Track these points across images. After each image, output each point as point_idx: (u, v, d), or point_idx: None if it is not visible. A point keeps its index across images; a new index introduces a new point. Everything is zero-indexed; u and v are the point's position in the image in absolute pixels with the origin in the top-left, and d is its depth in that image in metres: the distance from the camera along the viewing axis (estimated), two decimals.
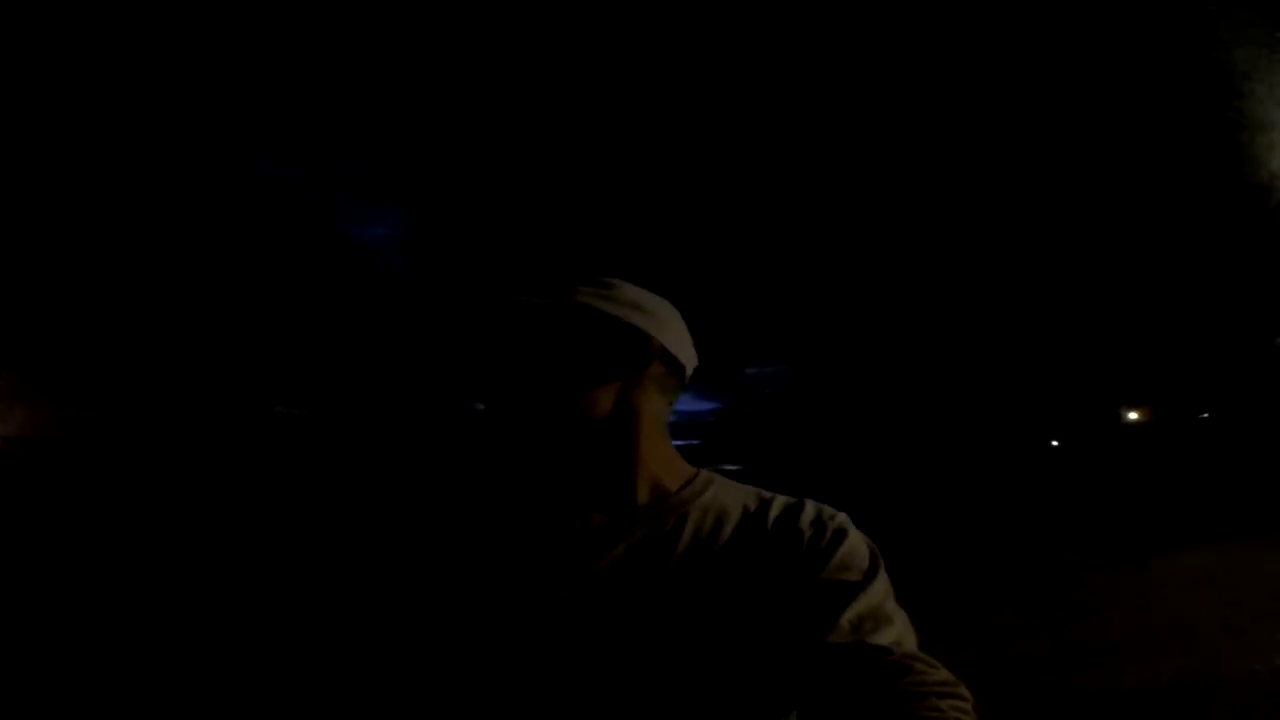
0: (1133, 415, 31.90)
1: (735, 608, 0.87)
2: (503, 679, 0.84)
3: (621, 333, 0.98)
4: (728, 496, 0.99)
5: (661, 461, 0.99)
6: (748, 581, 0.89)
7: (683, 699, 0.83)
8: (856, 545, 0.94)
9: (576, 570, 0.89)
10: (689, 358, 1.04)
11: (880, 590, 0.90)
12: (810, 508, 0.97)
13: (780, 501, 0.98)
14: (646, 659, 0.84)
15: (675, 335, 1.02)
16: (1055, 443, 34.60)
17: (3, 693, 4.43)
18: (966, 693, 0.81)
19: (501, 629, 0.86)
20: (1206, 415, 30.22)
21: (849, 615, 0.85)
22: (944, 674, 0.82)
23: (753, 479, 1.03)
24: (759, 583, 0.89)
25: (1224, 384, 27.57)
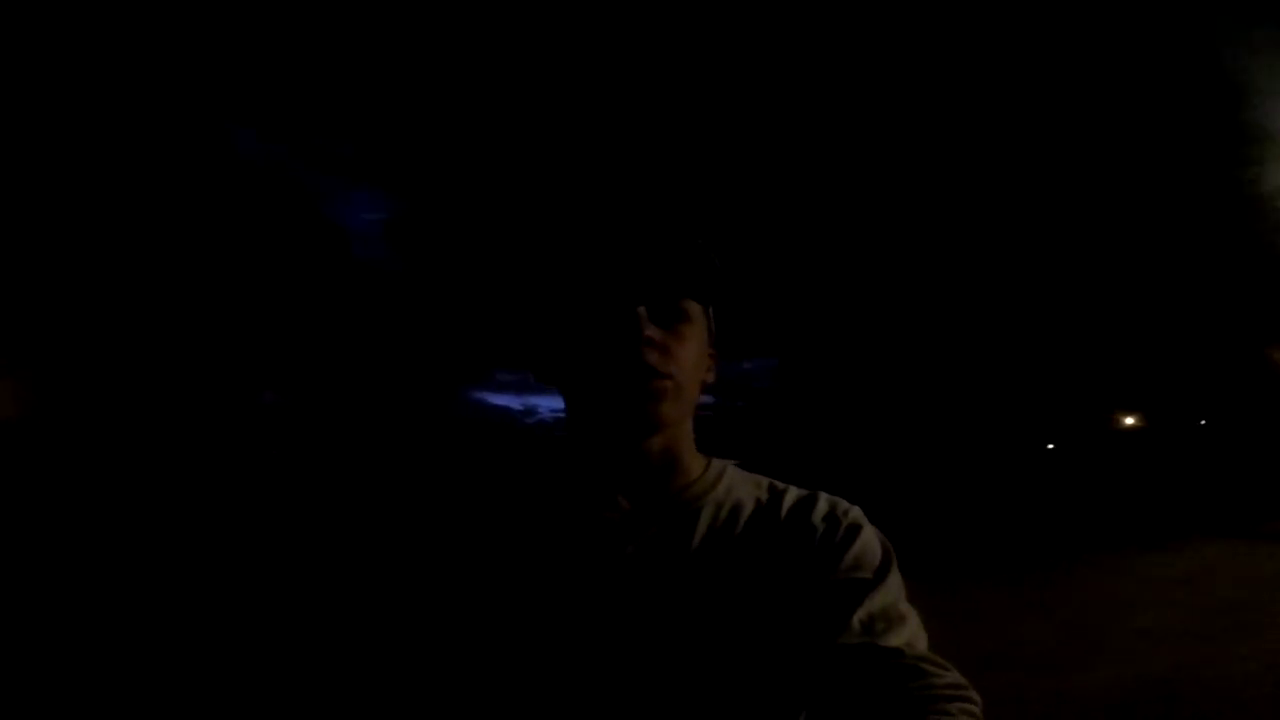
0: (1127, 420, 32.13)
1: (750, 603, 0.86)
2: (524, 670, 0.83)
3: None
4: (741, 487, 0.97)
5: (689, 444, 0.96)
6: (762, 577, 0.88)
7: (697, 694, 0.82)
8: (870, 541, 0.92)
9: (603, 553, 0.87)
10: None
11: (893, 589, 0.88)
12: (824, 501, 0.96)
13: (794, 494, 0.97)
14: (665, 653, 0.82)
15: None
16: (1050, 445, 34.68)
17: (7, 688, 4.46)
18: (976, 696, 0.81)
19: (523, 621, 0.84)
20: (1197, 422, 30.39)
21: (860, 615, 0.84)
22: (954, 676, 0.82)
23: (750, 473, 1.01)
24: (773, 578, 0.88)
25: (1215, 391, 27.72)
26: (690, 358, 0.88)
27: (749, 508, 0.93)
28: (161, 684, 4.54)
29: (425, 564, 0.91)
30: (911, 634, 0.84)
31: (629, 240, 0.87)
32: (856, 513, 0.94)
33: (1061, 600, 7.89)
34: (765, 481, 0.98)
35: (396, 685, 0.88)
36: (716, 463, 0.98)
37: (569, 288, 0.90)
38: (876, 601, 0.85)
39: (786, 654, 0.85)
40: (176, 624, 5.93)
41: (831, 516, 0.93)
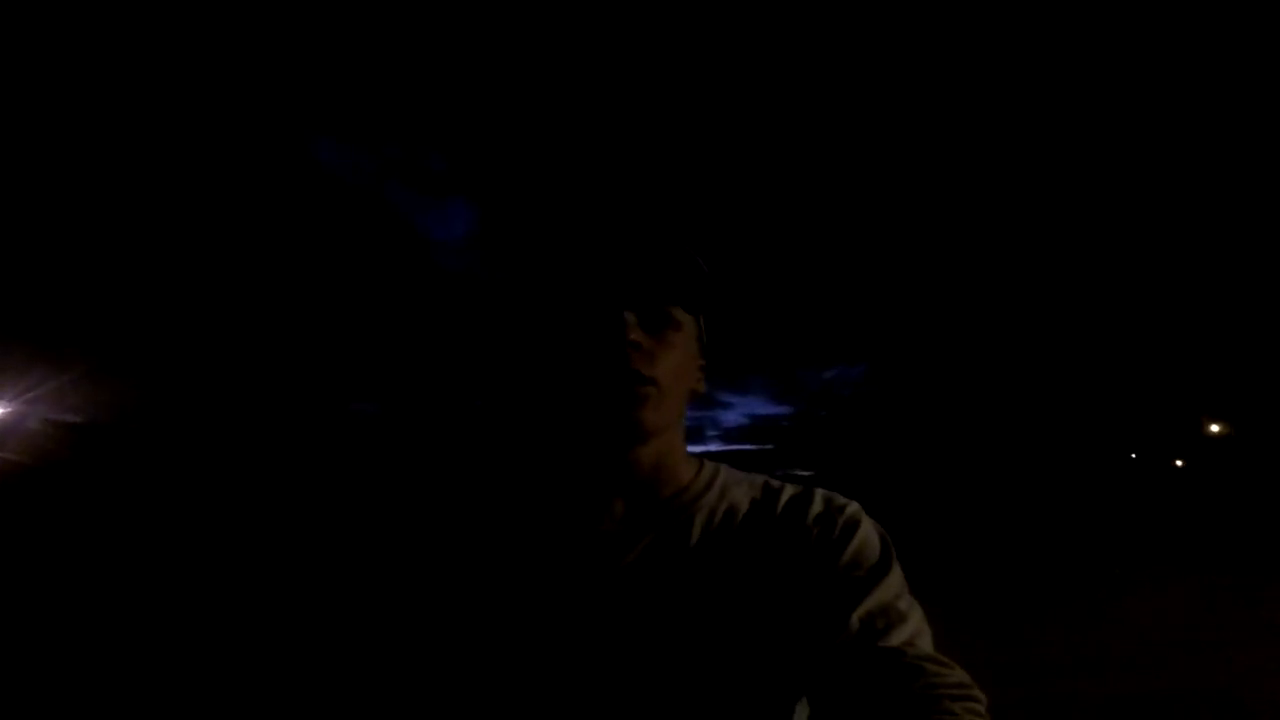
0: (1214, 427, 31.23)
1: (747, 605, 0.85)
2: (524, 672, 0.84)
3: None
4: (735, 488, 0.95)
5: (680, 451, 0.94)
6: (759, 578, 0.86)
7: (698, 698, 0.81)
8: (868, 536, 0.89)
9: (601, 564, 0.87)
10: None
11: (893, 585, 0.86)
12: (820, 497, 0.93)
13: (789, 491, 0.95)
14: (664, 659, 0.82)
15: None
16: (1133, 455, 33.67)
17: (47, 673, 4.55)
18: (981, 695, 0.79)
19: (525, 624, 0.85)
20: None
21: (860, 613, 0.82)
22: (958, 675, 0.79)
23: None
24: (770, 579, 0.86)
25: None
26: (675, 365, 0.88)
27: (743, 509, 0.93)
28: (160, 680, 4.59)
29: (424, 571, 0.92)
30: (913, 631, 0.83)
31: (617, 246, 0.89)
32: (854, 508, 0.93)
33: (1099, 610, 7.84)
34: (760, 480, 0.99)
35: (395, 692, 0.91)
36: (709, 466, 0.97)
37: (558, 292, 0.91)
38: (876, 599, 0.84)
39: (785, 654, 0.84)
40: (189, 620, 6.02)
41: (827, 513, 0.91)
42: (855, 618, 0.81)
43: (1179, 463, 32.74)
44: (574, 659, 0.83)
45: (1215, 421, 30.60)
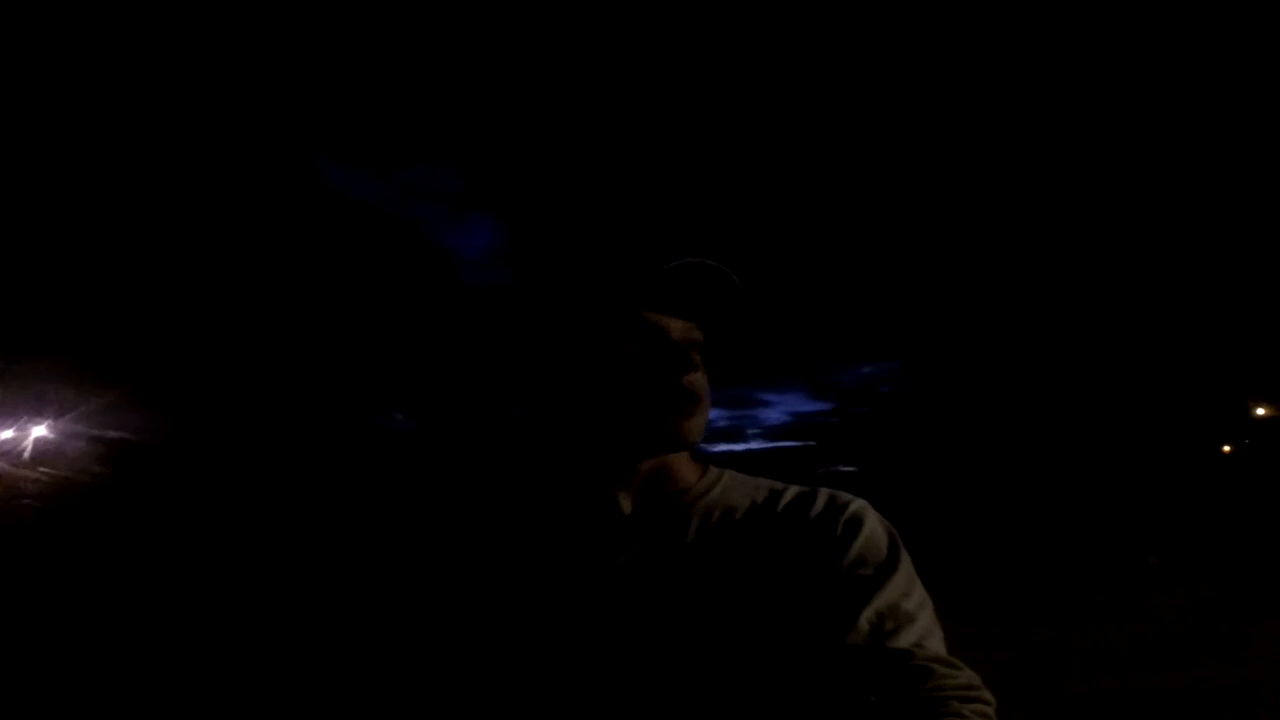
0: (1260, 410, 30.66)
1: (749, 604, 0.85)
2: (528, 676, 0.85)
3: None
4: (738, 490, 0.96)
5: (685, 455, 0.96)
6: (761, 576, 0.87)
7: (700, 696, 0.82)
8: (874, 534, 0.90)
9: (600, 567, 0.89)
10: None
11: (900, 583, 0.86)
12: (822, 497, 0.94)
13: (792, 492, 0.96)
14: (665, 656, 0.83)
15: None
16: (1226, 448, 32.81)
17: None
18: (990, 696, 0.80)
19: (526, 628, 0.86)
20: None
21: (868, 614, 0.82)
22: (967, 677, 0.81)
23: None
24: (773, 577, 0.87)
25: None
26: (707, 378, 0.93)
27: (745, 509, 0.93)
28: (202, 689, 4.66)
29: (432, 573, 0.94)
30: (921, 632, 0.83)
31: (688, 271, 0.90)
32: (858, 505, 0.93)
33: (1109, 609, 7.76)
34: (765, 483, 0.98)
35: (403, 690, 0.91)
36: (713, 470, 0.98)
37: (610, 309, 0.92)
38: (883, 599, 0.84)
39: (790, 653, 0.84)
40: (228, 631, 6.08)
41: (830, 511, 0.92)
42: (863, 619, 0.81)
43: (1226, 448, 32.10)
44: (575, 655, 0.84)
45: (1262, 404, 30.10)
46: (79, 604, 7.47)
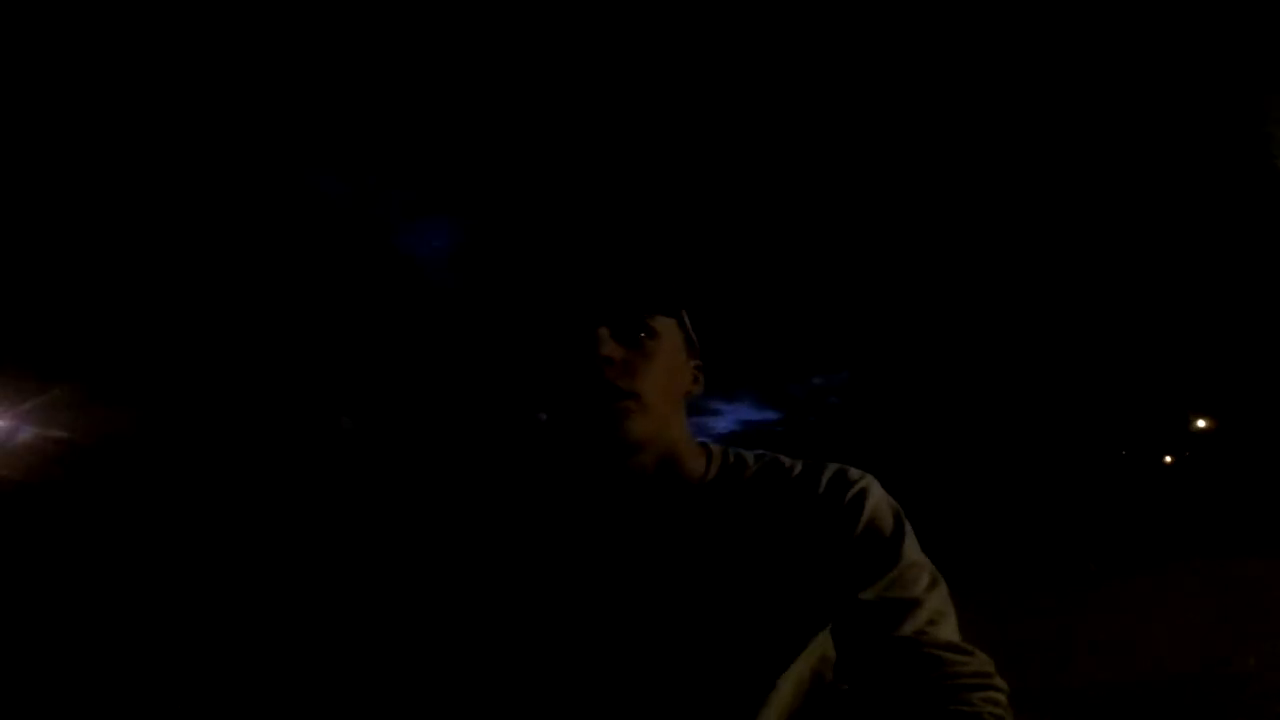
0: (1200, 423, 31.61)
1: (758, 588, 0.84)
2: (535, 666, 0.84)
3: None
4: (746, 470, 0.95)
5: (685, 445, 0.94)
6: (769, 558, 0.86)
7: (706, 680, 0.81)
8: (877, 512, 0.89)
9: (607, 555, 0.87)
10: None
11: (905, 566, 0.85)
12: (828, 472, 0.93)
13: (799, 467, 0.94)
14: (673, 643, 0.82)
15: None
16: (1168, 459, 33.72)
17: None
18: (1002, 684, 0.79)
19: (534, 618, 0.85)
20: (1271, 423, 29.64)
21: (872, 599, 0.81)
22: (979, 663, 0.79)
23: None
24: (780, 558, 0.86)
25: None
26: (658, 373, 0.87)
27: (752, 488, 0.92)
28: (171, 682, 4.58)
29: (434, 565, 0.92)
30: (929, 616, 0.81)
31: (590, 262, 0.87)
32: (864, 482, 0.91)
33: (1098, 598, 7.98)
34: (769, 459, 0.96)
35: (408, 679, 0.89)
36: (716, 449, 0.96)
37: (535, 311, 0.88)
38: (887, 582, 0.83)
39: (796, 627, 0.83)
40: (193, 625, 6.02)
41: (835, 488, 0.90)
42: (868, 604, 0.81)
43: (1168, 459, 32.99)
44: (580, 642, 0.83)
45: (1202, 417, 31.11)
46: (29, 603, 7.30)
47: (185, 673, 4.79)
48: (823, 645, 0.87)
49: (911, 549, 0.87)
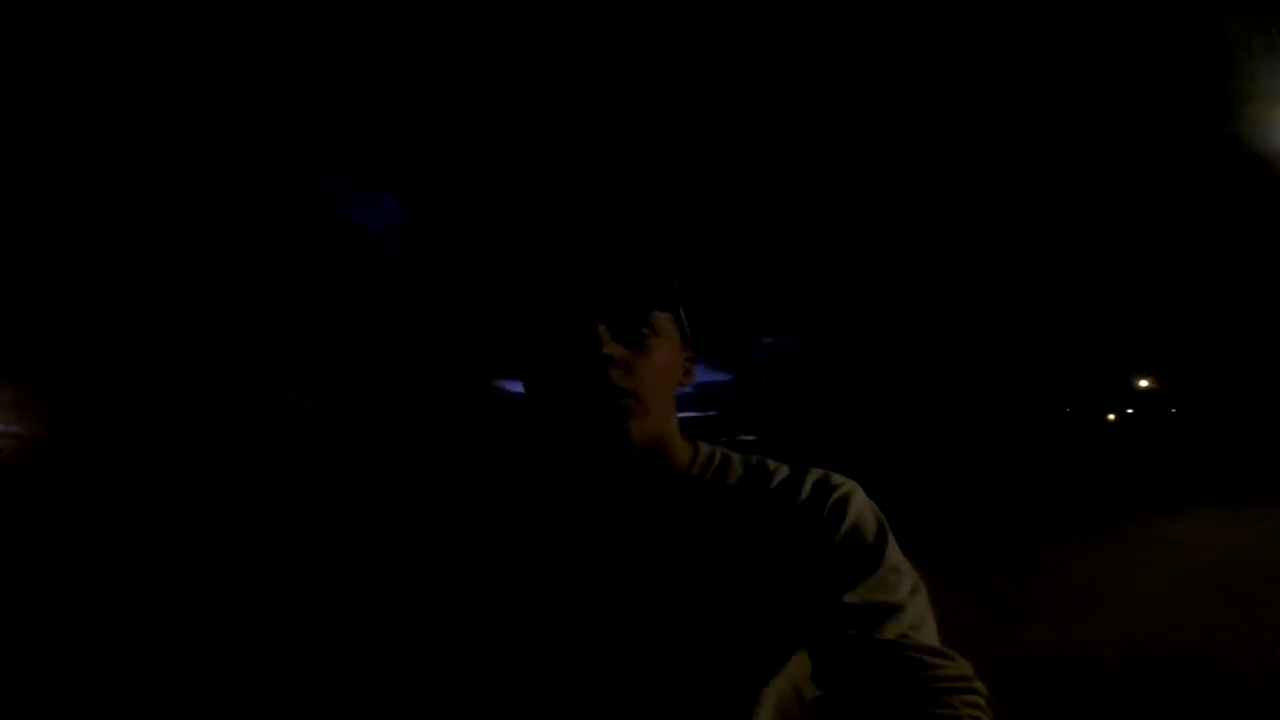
0: (1143, 383, 32.46)
1: (741, 587, 0.85)
2: (528, 664, 0.84)
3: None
4: (730, 470, 0.96)
5: (674, 440, 0.95)
6: (753, 558, 0.86)
7: (691, 680, 0.82)
8: (860, 518, 0.89)
9: (596, 552, 0.88)
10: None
11: (888, 571, 0.85)
12: (811, 479, 0.93)
13: (784, 471, 0.95)
14: (660, 640, 0.83)
15: None
16: (1068, 409, 34.64)
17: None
18: (982, 687, 0.79)
19: (525, 615, 0.86)
20: (1214, 385, 30.56)
21: (855, 602, 0.82)
22: (959, 667, 0.80)
23: (769, 449, 0.99)
24: (764, 559, 0.86)
25: (1230, 354, 27.96)
26: (657, 371, 0.88)
27: (733, 491, 0.93)
28: (171, 682, 4.62)
29: (428, 562, 0.93)
30: (911, 620, 0.82)
31: (588, 260, 0.87)
32: (846, 488, 0.92)
33: (1051, 559, 8.12)
34: (756, 462, 0.97)
35: (403, 676, 0.89)
36: (704, 448, 0.97)
37: (534, 310, 0.89)
38: (869, 586, 0.83)
39: (779, 634, 0.85)
40: (191, 624, 5.99)
41: (817, 494, 0.91)
42: (850, 608, 0.82)
43: (1111, 416, 33.82)
44: (570, 641, 0.85)
45: (1144, 377, 31.97)
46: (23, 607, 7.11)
47: (185, 672, 4.80)
48: (804, 662, 0.88)
49: (894, 554, 0.88)
